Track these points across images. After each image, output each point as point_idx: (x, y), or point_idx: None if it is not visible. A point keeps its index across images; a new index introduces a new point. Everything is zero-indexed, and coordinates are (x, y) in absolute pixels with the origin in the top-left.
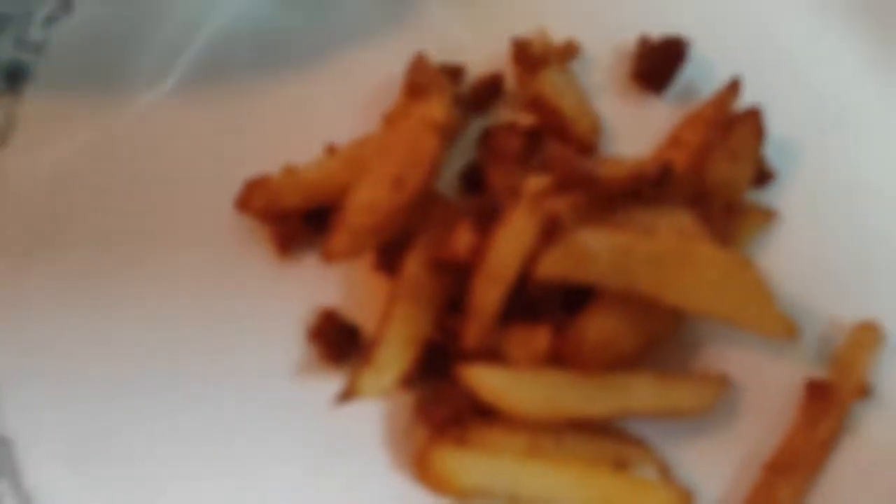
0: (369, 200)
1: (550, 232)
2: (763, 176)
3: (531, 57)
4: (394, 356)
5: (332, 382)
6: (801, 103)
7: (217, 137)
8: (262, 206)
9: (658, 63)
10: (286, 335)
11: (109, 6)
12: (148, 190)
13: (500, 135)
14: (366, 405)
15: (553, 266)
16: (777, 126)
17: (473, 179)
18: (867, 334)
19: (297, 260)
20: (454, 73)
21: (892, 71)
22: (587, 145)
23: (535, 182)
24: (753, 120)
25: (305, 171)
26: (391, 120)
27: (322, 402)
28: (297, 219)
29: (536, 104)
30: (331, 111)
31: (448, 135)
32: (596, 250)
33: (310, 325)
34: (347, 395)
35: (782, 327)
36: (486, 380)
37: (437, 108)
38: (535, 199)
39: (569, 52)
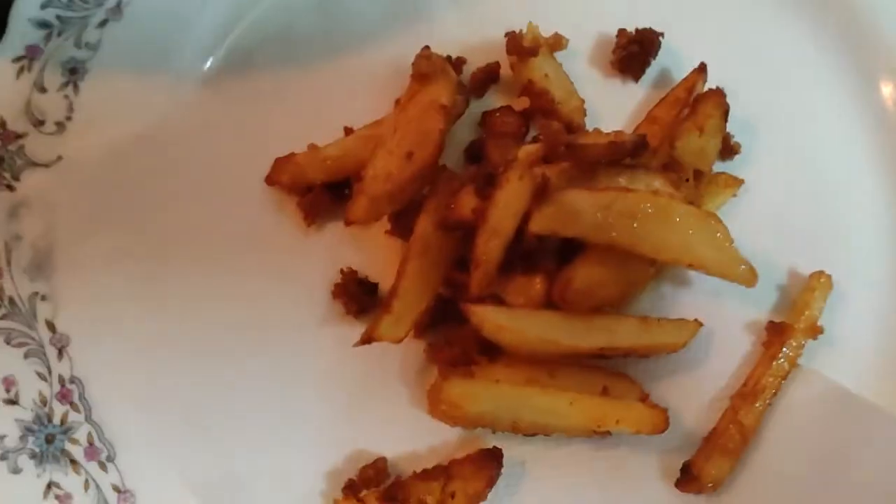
0: (385, 171)
1: (541, 193)
2: (729, 150)
3: (523, 48)
4: (408, 305)
5: (356, 331)
6: (761, 86)
7: (250, 122)
8: (290, 181)
9: (634, 53)
10: (315, 292)
11: (154, 15)
12: (191, 169)
13: (497, 115)
14: (386, 350)
15: (543, 222)
16: (742, 107)
17: (475, 153)
18: (819, 283)
19: (321, 227)
20: (456, 63)
21: (838, 54)
22: (573, 125)
23: (527, 151)
24: (717, 98)
25: (327, 149)
26: (402, 104)
27: (348, 348)
28: (321, 191)
29: (528, 89)
30: (349, 98)
31: (452, 116)
32: (580, 208)
33: (334, 283)
34: (368, 338)
35: (744, 273)
36: (489, 317)
37: (442, 93)
38: (527, 165)
39: (556, 43)
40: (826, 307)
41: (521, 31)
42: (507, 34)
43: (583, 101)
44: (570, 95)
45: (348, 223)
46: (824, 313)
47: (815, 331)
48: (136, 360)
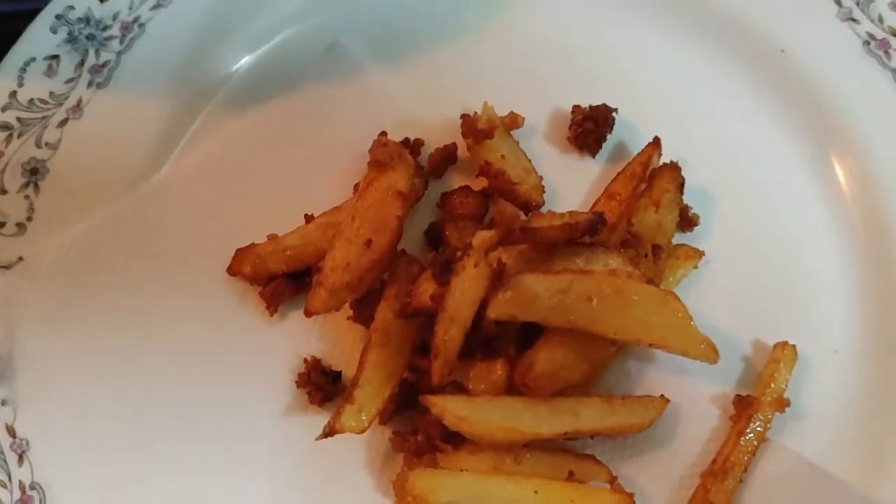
0: (344, 261)
1: (498, 278)
2: (688, 221)
3: (478, 130)
4: (371, 395)
5: (321, 419)
6: (717, 156)
7: (211, 212)
8: (251, 271)
9: (590, 129)
10: (279, 381)
11: (115, 112)
12: (152, 262)
13: (455, 197)
14: (351, 437)
15: (501, 308)
16: (698, 177)
17: (435, 236)
18: (783, 354)
19: (284, 316)
20: (414, 145)
21: (792, 127)
22: (532, 203)
23: (482, 237)
24: (672, 172)
25: (287, 239)
26: (360, 191)
27: (312, 438)
28: (283, 280)
29: (485, 170)
30: (309, 184)
31: (410, 201)
32: (537, 292)
33: (298, 373)
34: (331, 430)
35: (705, 350)
36: (449, 408)
37: (399, 180)
38: (482, 251)
39: (512, 122)
40: (792, 378)
41: (475, 112)
42: (462, 116)
43: (541, 179)
44: (527, 174)
45: (308, 314)
46: (790, 384)
47: (781, 403)
48: (99, 464)
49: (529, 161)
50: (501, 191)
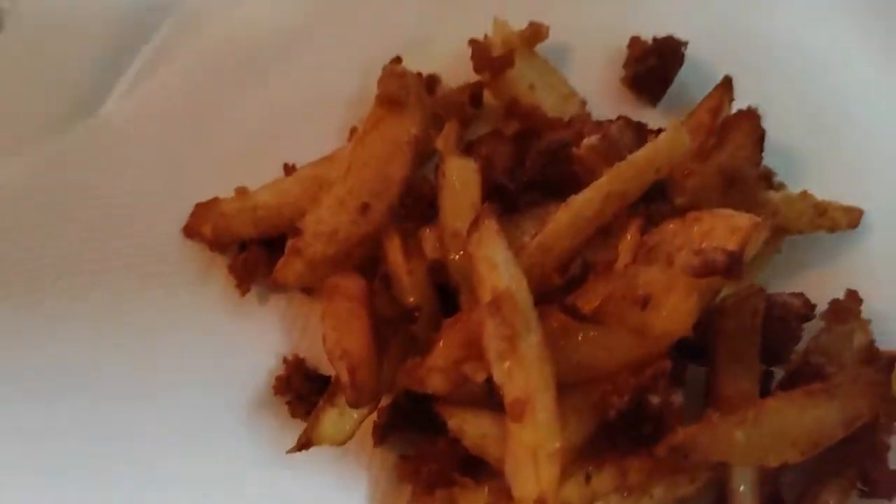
0: (330, 226)
1: None
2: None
3: (493, 60)
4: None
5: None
6: (809, 106)
7: (164, 163)
8: (214, 235)
9: (653, 67)
10: (250, 387)
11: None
12: (88, 226)
13: (486, 143)
14: (344, 462)
15: None
16: (782, 134)
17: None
18: None
19: (261, 299)
20: (428, 82)
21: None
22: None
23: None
24: (750, 121)
25: (260, 194)
26: (360, 136)
27: (295, 461)
28: (257, 249)
29: (513, 109)
30: (290, 126)
31: (423, 155)
32: None
33: (276, 376)
34: (307, 442)
35: None
36: (471, 423)
37: (413, 125)
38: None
39: (534, 35)
40: None
41: (486, 36)
42: (470, 43)
43: (585, 103)
44: (566, 101)
45: (276, 283)
46: None
47: None
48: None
49: (566, 82)
50: (540, 131)
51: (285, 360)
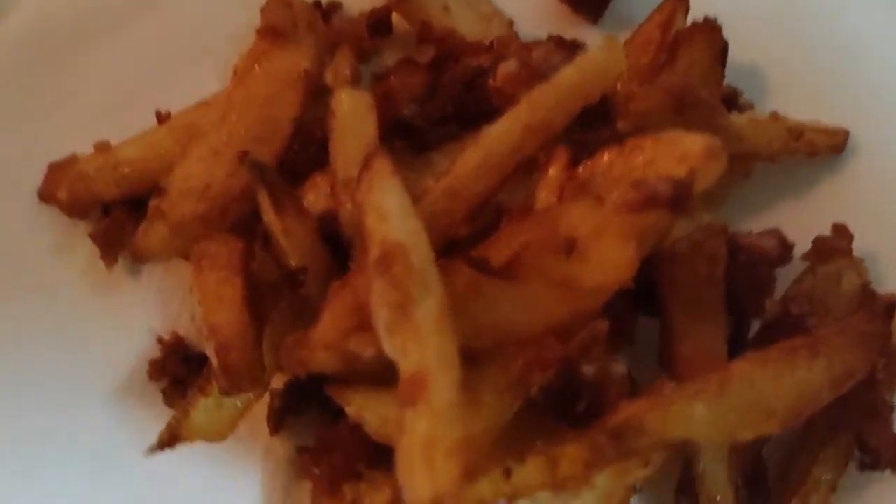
0: (201, 180)
1: None
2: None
3: None
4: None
5: None
6: (772, 16)
7: (11, 114)
8: (71, 197)
9: None
10: (119, 373)
11: None
12: None
13: (393, 77)
14: (233, 453)
15: None
16: (746, 50)
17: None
18: None
19: (132, 270)
20: (327, 10)
21: None
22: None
23: None
24: (707, 34)
25: (124, 149)
26: (240, 74)
27: (173, 455)
28: (122, 213)
29: (427, 34)
30: (163, 67)
31: (316, 92)
32: None
33: (149, 360)
34: (172, 437)
35: None
36: (372, 406)
37: (302, 58)
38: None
39: None
40: None
41: None
42: None
43: (511, 23)
44: (489, 21)
45: (136, 259)
46: None
47: None
48: None
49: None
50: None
51: (160, 341)
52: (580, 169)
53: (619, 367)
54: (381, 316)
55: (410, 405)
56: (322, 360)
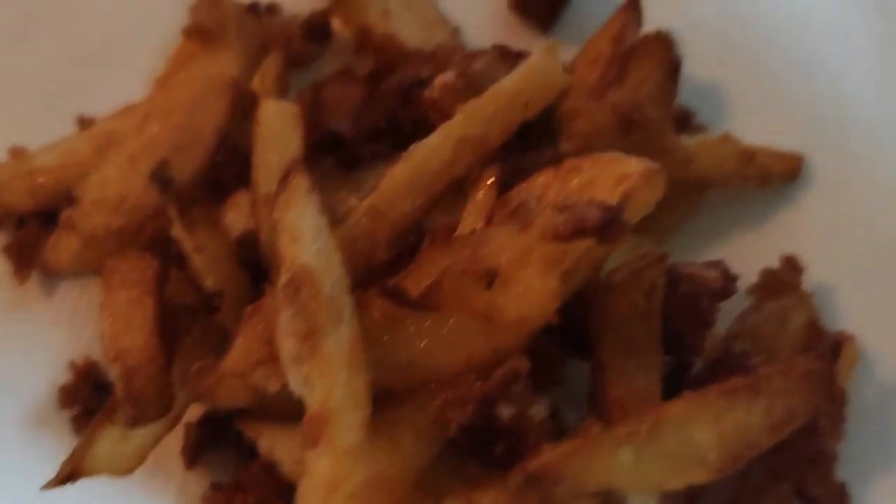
0: (116, 192)
1: None
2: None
3: None
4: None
5: None
6: (728, 31)
7: None
8: None
9: None
10: (28, 401)
11: None
12: None
13: (330, 89)
14: (154, 493)
15: None
16: (700, 67)
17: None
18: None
19: (47, 287)
20: (267, 12)
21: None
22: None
23: None
24: (659, 47)
25: (40, 156)
26: (163, 79)
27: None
28: (35, 226)
29: (365, 40)
30: (90, 73)
31: (245, 100)
32: None
33: (60, 386)
34: (71, 472)
35: None
36: (283, 447)
37: (229, 63)
38: None
39: None
40: None
41: None
42: None
43: (457, 31)
44: (433, 27)
45: (47, 272)
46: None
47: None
48: None
49: (434, 5)
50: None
51: (72, 366)
52: (513, 192)
53: (541, 409)
54: (285, 346)
55: (311, 445)
56: (231, 391)
